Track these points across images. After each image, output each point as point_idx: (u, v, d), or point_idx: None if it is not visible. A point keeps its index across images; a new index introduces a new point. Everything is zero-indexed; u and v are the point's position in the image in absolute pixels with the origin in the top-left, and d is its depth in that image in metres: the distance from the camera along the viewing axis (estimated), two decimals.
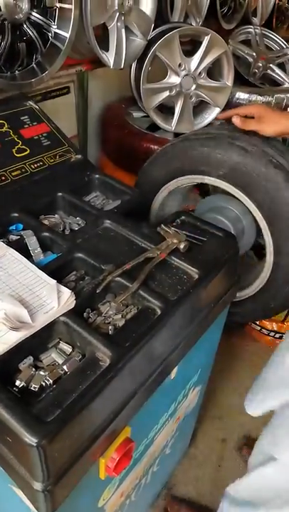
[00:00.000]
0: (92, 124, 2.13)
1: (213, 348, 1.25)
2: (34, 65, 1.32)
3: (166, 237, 0.98)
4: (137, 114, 2.04)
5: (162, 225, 1.02)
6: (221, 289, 1.00)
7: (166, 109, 2.03)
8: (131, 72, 1.85)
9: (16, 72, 1.27)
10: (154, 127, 1.94)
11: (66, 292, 0.75)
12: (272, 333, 2.23)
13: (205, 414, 1.91)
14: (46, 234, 0.95)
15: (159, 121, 1.84)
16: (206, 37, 1.67)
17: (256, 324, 2.25)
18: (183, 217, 1.17)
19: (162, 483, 1.57)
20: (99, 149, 2.19)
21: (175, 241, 0.96)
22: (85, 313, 0.80)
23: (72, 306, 0.76)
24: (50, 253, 0.95)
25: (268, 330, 2.23)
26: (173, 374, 0.94)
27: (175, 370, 0.94)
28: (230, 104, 2.30)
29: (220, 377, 2.10)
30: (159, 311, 0.80)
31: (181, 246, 0.95)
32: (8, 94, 1.30)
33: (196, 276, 0.90)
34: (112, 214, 1.04)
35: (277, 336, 2.23)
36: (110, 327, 0.78)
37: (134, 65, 1.81)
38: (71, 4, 1.26)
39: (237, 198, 1.23)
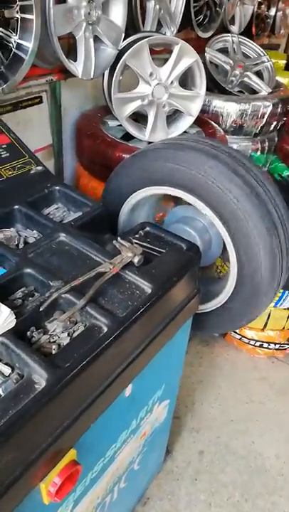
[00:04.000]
0: (68, 133, 2.12)
1: (178, 361, 1.22)
2: None
3: (121, 251, 0.96)
4: (112, 123, 2.03)
5: (119, 238, 1.00)
6: (177, 302, 0.98)
7: (142, 118, 2.03)
8: (104, 82, 1.84)
9: None
10: (129, 136, 1.93)
11: (5, 311, 0.73)
12: (252, 342, 2.21)
13: (183, 427, 1.88)
14: None
15: (132, 130, 1.83)
16: (176, 46, 1.67)
17: (236, 333, 2.24)
18: (147, 229, 1.16)
19: (136, 498, 1.54)
20: (75, 158, 2.18)
21: (130, 255, 0.94)
22: (28, 332, 0.78)
23: (12, 325, 0.73)
24: (1, 268, 0.93)
25: (248, 338, 2.21)
26: (127, 392, 0.92)
27: (129, 387, 0.92)
28: (208, 113, 2.31)
29: (200, 388, 2.07)
30: (105, 329, 0.78)
31: (136, 260, 0.93)
32: None
33: (149, 291, 0.88)
34: (68, 227, 1.02)
35: (258, 344, 2.21)
36: (54, 346, 0.76)
37: (106, 75, 1.80)
38: (32, 14, 1.25)
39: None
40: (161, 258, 0.99)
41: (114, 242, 0.99)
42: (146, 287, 0.88)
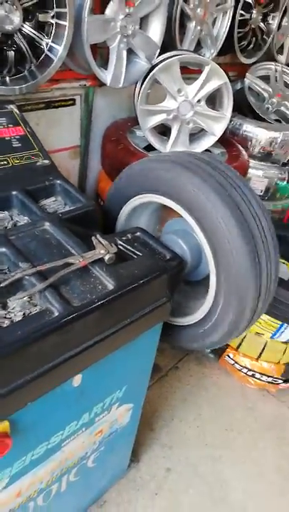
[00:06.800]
0: (97, 138, 2.21)
1: (144, 368, 1.24)
2: (26, 74, 1.41)
3: (96, 247, 1.00)
4: (140, 133, 2.09)
5: (98, 235, 1.04)
6: (141, 305, 1.00)
7: (169, 132, 2.08)
8: (135, 93, 1.92)
9: (7, 78, 1.36)
10: (151, 147, 1.99)
11: None
12: (244, 370, 2.17)
13: (156, 440, 1.87)
14: None
15: (154, 141, 1.88)
16: (206, 67, 1.72)
17: (230, 358, 2.20)
18: (138, 234, 1.20)
19: (90, 497, 1.55)
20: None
21: (102, 252, 0.98)
22: None
23: None
24: None
25: (240, 365, 2.17)
26: (76, 382, 0.95)
27: (79, 378, 0.95)
28: (238, 135, 2.33)
29: (182, 406, 2.05)
30: (56, 314, 0.82)
31: (106, 257, 0.97)
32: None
33: (111, 288, 0.91)
34: (54, 218, 1.08)
35: (250, 373, 2.17)
36: (7, 322, 0.81)
37: (138, 86, 1.87)
38: (66, 21, 1.34)
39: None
40: (134, 261, 1.02)
41: (92, 238, 1.03)
42: (110, 284, 0.92)
